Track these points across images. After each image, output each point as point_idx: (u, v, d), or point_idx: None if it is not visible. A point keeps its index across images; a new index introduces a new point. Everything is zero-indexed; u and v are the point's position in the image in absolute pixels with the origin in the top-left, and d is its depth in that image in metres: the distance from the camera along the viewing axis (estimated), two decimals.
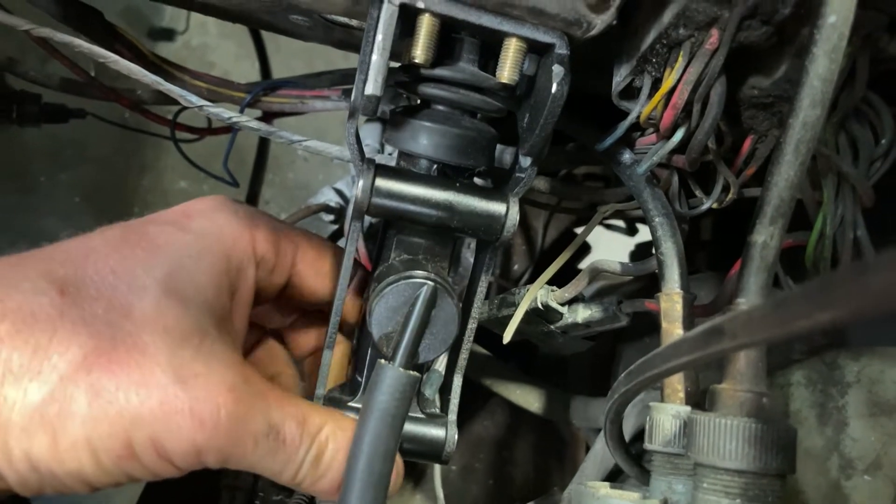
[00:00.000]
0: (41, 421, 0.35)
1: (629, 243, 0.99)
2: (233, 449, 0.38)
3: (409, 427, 0.46)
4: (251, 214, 0.46)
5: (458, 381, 0.49)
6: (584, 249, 0.97)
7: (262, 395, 0.40)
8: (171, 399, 0.36)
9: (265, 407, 0.39)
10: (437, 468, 0.76)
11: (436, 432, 0.47)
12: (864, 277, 0.20)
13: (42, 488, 0.38)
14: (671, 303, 0.46)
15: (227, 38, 1.98)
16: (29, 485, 0.37)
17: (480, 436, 0.87)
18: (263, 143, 1.13)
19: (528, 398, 0.74)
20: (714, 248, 0.80)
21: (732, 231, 0.79)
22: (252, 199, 1.14)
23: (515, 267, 0.91)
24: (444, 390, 0.50)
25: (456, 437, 0.48)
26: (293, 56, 1.70)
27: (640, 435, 0.62)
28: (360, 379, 0.49)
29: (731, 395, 0.37)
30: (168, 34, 1.82)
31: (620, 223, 0.98)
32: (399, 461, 0.43)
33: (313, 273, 0.49)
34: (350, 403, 0.47)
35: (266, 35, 1.08)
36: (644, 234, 0.98)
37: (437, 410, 0.49)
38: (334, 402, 0.47)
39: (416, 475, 0.83)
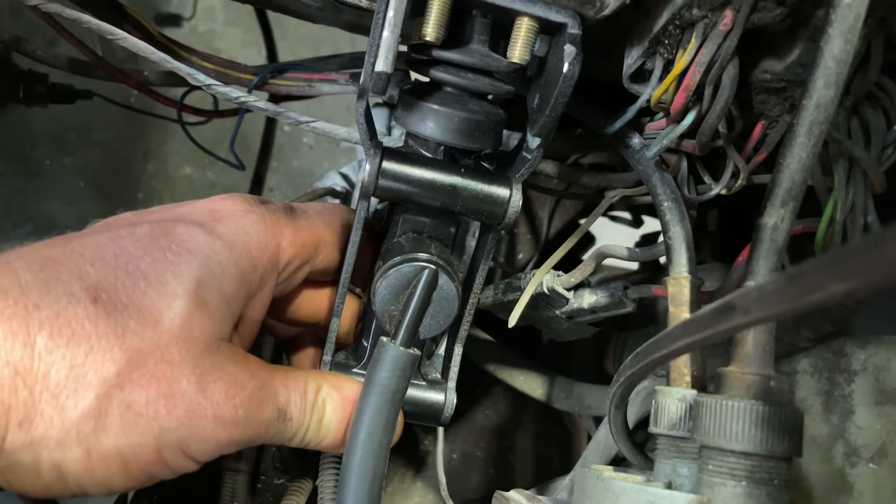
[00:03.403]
0: (77, 436, 0.37)
1: (633, 236, 0.99)
2: (250, 438, 0.41)
3: (412, 392, 0.49)
4: (277, 220, 0.46)
5: (458, 350, 0.51)
6: (588, 241, 0.97)
7: (268, 383, 0.42)
8: (195, 407, 0.39)
9: (273, 394, 0.42)
10: (440, 456, 0.76)
11: (436, 397, 0.50)
12: (879, 247, 0.20)
13: (62, 494, 0.39)
14: (679, 287, 0.46)
15: (233, 24, 1.98)
16: (51, 492, 0.38)
17: (482, 424, 0.87)
18: (269, 130, 1.13)
19: (532, 384, 0.74)
20: (720, 240, 0.80)
21: (738, 223, 0.79)
22: (257, 185, 1.13)
23: (520, 256, 0.91)
24: (445, 359, 0.52)
25: (455, 401, 0.50)
26: (300, 43, 1.70)
27: (641, 424, 0.61)
28: (366, 344, 0.51)
29: (738, 377, 0.37)
30: (174, 20, 1.81)
31: (625, 215, 0.97)
32: (399, 416, 0.45)
33: (333, 258, 0.50)
34: (355, 370, 0.49)
35: (273, 21, 1.07)
36: (648, 226, 0.98)
37: (438, 377, 0.52)
38: (341, 367, 0.50)
39: (417, 463, 0.83)
